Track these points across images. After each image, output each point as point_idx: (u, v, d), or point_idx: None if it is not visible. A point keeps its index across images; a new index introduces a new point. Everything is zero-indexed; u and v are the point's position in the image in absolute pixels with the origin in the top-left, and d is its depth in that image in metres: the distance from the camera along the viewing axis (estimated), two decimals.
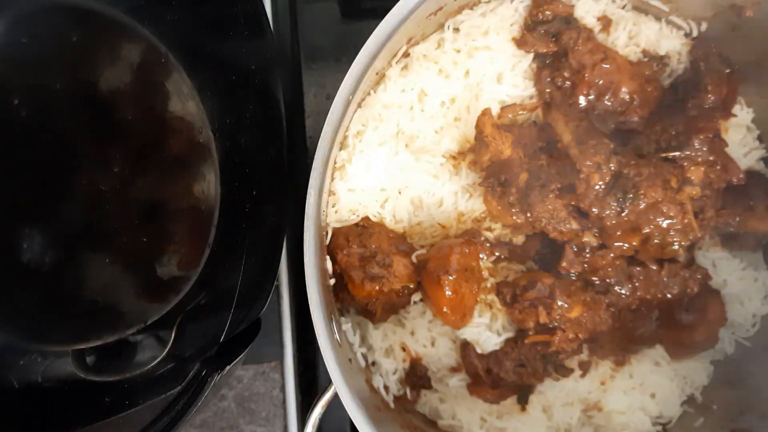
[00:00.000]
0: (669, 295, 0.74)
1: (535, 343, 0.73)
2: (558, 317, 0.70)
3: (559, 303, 0.70)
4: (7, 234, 0.45)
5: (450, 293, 0.70)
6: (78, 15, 0.49)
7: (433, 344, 0.78)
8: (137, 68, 0.55)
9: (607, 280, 0.73)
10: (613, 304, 0.74)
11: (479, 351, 0.75)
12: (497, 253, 0.75)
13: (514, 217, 0.72)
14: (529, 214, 0.71)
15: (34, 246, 0.46)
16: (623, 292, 0.73)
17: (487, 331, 0.75)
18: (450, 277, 0.70)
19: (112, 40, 0.53)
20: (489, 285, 0.76)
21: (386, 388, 0.77)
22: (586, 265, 0.72)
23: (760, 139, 0.82)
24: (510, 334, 0.76)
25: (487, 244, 0.75)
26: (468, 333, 0.76)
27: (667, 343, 0.78)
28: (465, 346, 0.76)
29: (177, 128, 0.60)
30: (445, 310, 0.71)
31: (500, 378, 0.74)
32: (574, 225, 0.70)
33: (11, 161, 0.45)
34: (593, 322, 0.72)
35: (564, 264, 0.72)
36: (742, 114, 0.81)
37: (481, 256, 0.75)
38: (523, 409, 0.77)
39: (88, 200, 0.52)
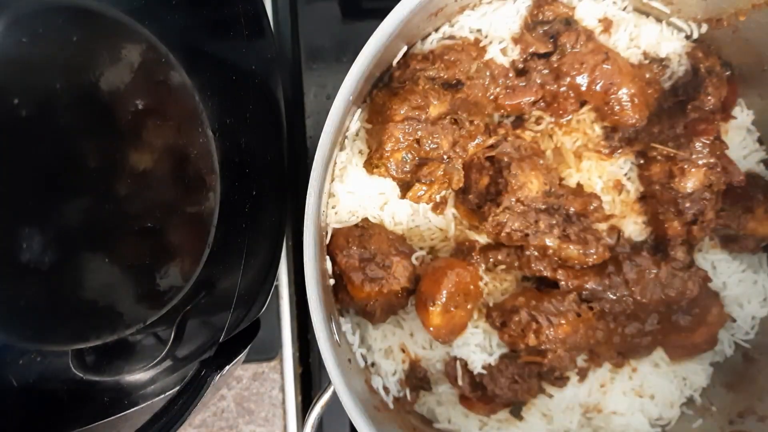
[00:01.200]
0: (668, 297, 0.74)
1: (529, 362, 0.73)
2: (546, 340, 0.70)
3: (547, 326, 0.70)
4: (7, 234, 0.45)
5: (436, 321, 0.71)
6: (78, 15, 0.49)
7: (431, 346, 0.78)
8: (137, 68, 0.55)
9: (599, 289, 0.73)
10: (609, 311, 0.74)
11: (470, 368, 0.75)
12: (491, 259, 0.75)
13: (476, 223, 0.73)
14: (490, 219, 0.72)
15: (34, 246, 0.46)
16: (616, 297, 0.73)
17: (479, 352, 0.75)
18: (437, 309, 0.70)
19: (112, 40, 0.53)
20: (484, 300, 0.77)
21: (386, 389, 0.77)
22: (572, 284, 0.73)
23: (760, 141, 0.82)
24: (504, 350, 0.76)
25: (482, 265, 0.75)
26: (459, 352, 0.76)
27: (667, 345, 0.78)
28: (451, 364, 0.76)
29: (177, 128, 0.60)
30: (431, 329, 0.72)
31: (495, 395, 0.74)
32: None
33: (11, 161, 0.45)
34: (586, 336, 0.72)
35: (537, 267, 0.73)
36: (742, 116, 0.80)
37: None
38: (520, 419, 0.77)
39: (88, 200, 0.52)
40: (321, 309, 0.64)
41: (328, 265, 0.74)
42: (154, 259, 0.57)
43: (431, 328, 0.72)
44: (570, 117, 0.77)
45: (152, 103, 0.57)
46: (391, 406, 0.76)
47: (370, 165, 0.71)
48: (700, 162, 0.72)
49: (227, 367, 0.61)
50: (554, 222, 0.72)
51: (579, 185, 0.77)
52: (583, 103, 0.77)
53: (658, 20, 0.80)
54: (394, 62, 0.75)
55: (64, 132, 0.49)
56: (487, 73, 0.73)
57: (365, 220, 0.75)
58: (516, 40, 0.76)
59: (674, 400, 0.80)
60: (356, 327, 0.78)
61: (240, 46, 0.66)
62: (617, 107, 0.74)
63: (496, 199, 0.72)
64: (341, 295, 0.75)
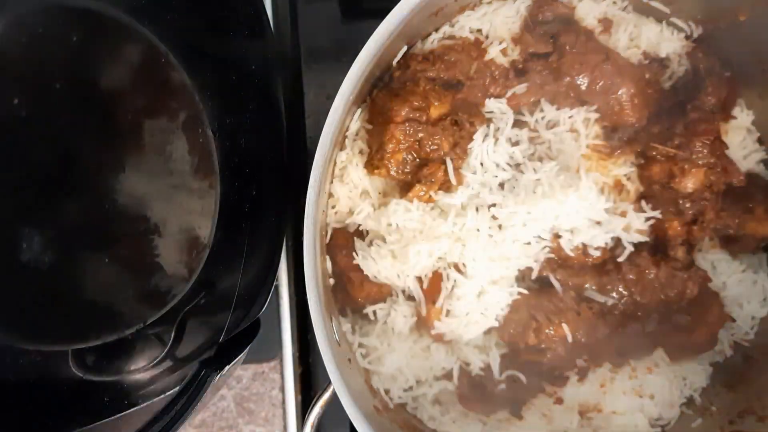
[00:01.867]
0: (667, 297, 0.74)
1: (529, 361, 0.73)
2: (546, 338, 0.70)
3: (547, 324, 0.70)
4: (7, 234, 0.45)
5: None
6: (78, 15, 0.49)
7: (429, 348, 0.77)
8: (137, 68, 0.55)
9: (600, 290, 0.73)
10: (609, 312, 0.74)
11: (469, 368, 0.75)
12: None
13: None
14: None
15: (34, 246, 0.46)
16: (616, 297, 0.73)
17: (478, 353, 0.75)
18: (437, 309, 0.71)
19: (112, 40, 0.53)
20: None
21: (386, 389, 0.77)
22: (571, 283, 0.73)
23: (760, 141, 0.82)
24: (504, 350, 0.76)
25: None
26: (459, 352, 0.76)
27: (667, 344, 0.78)
28: None
29: (177, 128, 0.61)
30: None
31: (494, 394, 0.74)
32: None
33: (11, 161, 0.45)
34: (587, 335, 0.72)
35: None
36: (742, 116, 0.80)
37: None
38: (520, 418, 0.77)
39: (88, 200, 0.52)
40: (321, 309, 0.64)
41: (328, 265, 0.74)
42: (154, 259, 0.57)
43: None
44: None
45: (152, 103, 0.57)
46: (391, 405, 0.76)
47: (371, 165, 0.71)
48: (700, 162, 0.72)
49: (227, 367, 0.61)
50: None
51: None
52: (583, 103, 0.77)
53: (658, 20, 0.80)
54: (394, 62, 0.75)
55: (64, 132, 0.49)
56: (488, 74, 0.73)
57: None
58: (516, 40, 0.76)
59: (674, 400, 0.80)
60: (357, 327, 0.78)
61: (240, 46, 0.66)
62: (617, 107, 0.74)
63: None
64: (341, 295, 0.75)
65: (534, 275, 0.72)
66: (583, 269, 0.74)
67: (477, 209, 0.71)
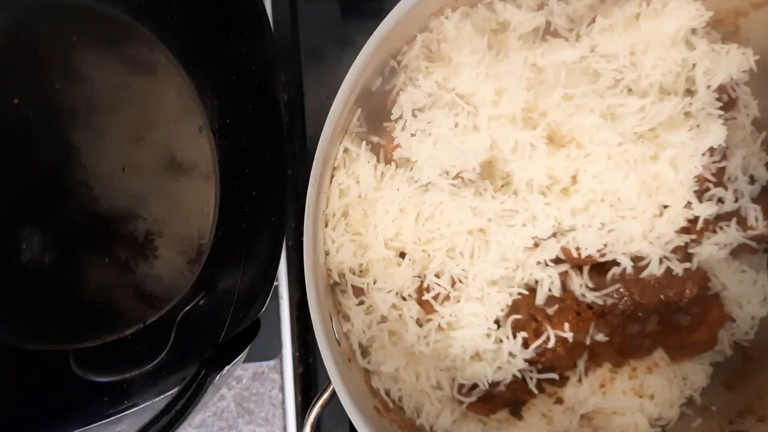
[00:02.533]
0: (667, 297, 0.74)
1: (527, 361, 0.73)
2: (546, 338, 0.70)
3: (546, 325, 0.70)
4: (6, 234, 0.45)
5: None
6: (78, 15, 0.50)
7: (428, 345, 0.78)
8: (137, 68, 0.56)
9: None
10: (609, 312, 0.74)
11: None
12: None
13: None
14: None
15: (34, 246, 0.46)
16: (615, 297, 0.73)
17: None
18: None
19: (112, 40, 0.53)
20: None
21: (386, 389, 0.77)
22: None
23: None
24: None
25: None
26: None
27: (667, 344, 0.78)
28: None
29: (177, 128, 0.61)
30: None
31: (495, 395, 0.74)
32: None
33: (11, 161, 0.45)
34: (587, 337, 0.72)
35: None
36: (742, 116, 0.80)
37: None
38: (520, 418, 0.77)
39: (88, 200, 0.52)
40: (321, 309, 0.64)
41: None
42: (153, 259, 0.57)
43: None
44: None
45: (152, 103, 0.57)
46: (392, 405, 0.76)
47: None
48: None
49: (227, 367, 0.61)
50: None
51: None
52: None
53: None
54: (395, 62, 0.75)
55: (64, 132, 0.49)
56: None
57: None
58: None
59: (674, 400, 0.80)
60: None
61: (240, 46, 0.66)
62: None
63: None
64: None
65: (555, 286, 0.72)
66: (582, 269, 0.74)
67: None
